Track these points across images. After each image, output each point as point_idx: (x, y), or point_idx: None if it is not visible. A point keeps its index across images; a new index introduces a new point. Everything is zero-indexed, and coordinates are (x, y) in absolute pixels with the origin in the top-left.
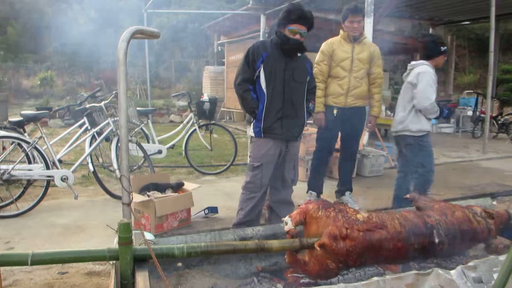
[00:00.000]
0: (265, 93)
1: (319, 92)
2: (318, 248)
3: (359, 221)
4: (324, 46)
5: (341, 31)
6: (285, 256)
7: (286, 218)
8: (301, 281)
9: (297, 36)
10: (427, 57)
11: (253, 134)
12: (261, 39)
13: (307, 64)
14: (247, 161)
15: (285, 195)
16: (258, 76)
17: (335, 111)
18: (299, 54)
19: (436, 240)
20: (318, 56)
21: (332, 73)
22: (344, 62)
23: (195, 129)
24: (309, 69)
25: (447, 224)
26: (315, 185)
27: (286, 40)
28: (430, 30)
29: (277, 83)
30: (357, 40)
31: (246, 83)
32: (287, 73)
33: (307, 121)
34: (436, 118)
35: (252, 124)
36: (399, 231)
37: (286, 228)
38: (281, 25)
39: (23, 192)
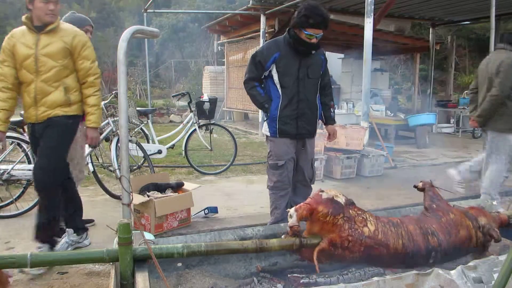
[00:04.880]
0: (280, 94)
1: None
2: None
3: (364, 236)
4: (5, 40)
5: (23, 17)
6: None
7: (292, 211)
8: (301, 281)
9: (314, 40)
10: None
11: (268, 134)
12: (261, 39)
13: (322, 56)
14: (267, 160)
15: (305, 194)
16: (271, 76)
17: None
18: (313, 52)
19: (431, 261)
20: None
21: (19, 78)
22: (27, 61)
23: (195, 129)
24: (323, 62)
25: (448, 245)
26: None
27: (302, 42)
28: (430, 30)
29: (291, 83)
30: (44, 29)
31: (251, 81)
32: (301, 71)
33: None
34: None
35: (266, 122)
36: (399, 252)
37: (290, 222)
38: (297, 27)
39: (23, 192)
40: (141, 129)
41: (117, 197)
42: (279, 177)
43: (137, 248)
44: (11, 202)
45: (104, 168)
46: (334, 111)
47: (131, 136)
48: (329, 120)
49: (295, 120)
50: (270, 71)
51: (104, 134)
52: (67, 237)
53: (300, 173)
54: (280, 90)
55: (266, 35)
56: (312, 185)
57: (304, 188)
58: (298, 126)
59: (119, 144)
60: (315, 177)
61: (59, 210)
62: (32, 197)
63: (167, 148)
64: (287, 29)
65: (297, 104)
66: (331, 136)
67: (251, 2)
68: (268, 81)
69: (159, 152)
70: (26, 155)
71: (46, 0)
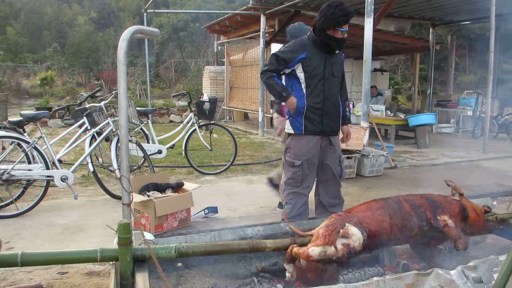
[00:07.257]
0: (304, 92)
1: None
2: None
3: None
4: None
5: None
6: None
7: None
8: None
9: (345, 35)
10: None
11: (292, 131)
12: (261, 39)
13: (342, 56)
14: (283, 156)
15: (334, 189)
16: (295, 75)
17: None
18: (337, 51)
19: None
20: None
21: None
22: None
23: (195, 129)
24: (343, 60)
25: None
26: None
27: (336, 40)
28: (430, 30)
29: (317, 82)
30: None
31: (269, 72)
32: (327, 70)
33: None
34: None
35: (289, 120)
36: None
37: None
38: (330, 27)
39: (22, 192)
40: (141, 129)
41: (117, 197)
42: (293, 174)
43: (137, 248)
44: (11, 202)
45: (104, 168)
46: (349, 111)
47: (131, 136)
48: (345, 120)
49: (320, 117)
50: (294, 70)
51: (104, 134)
52: None
53: (328, 171)
54: (305, 89)
55: (266, 35)
56: (342, 181)
57: (334, 186)
58: (323, 124)
59: (119, 144)
60: (344, 173)
61: None
62: (32, 197)
63: (167, 148)
64: (313, 32)
65: (323, 103)
66: (345, 136)
67: (251, 2)
68: (291, 79)
69: (159, 152)
70: (26, 155)
71: None
